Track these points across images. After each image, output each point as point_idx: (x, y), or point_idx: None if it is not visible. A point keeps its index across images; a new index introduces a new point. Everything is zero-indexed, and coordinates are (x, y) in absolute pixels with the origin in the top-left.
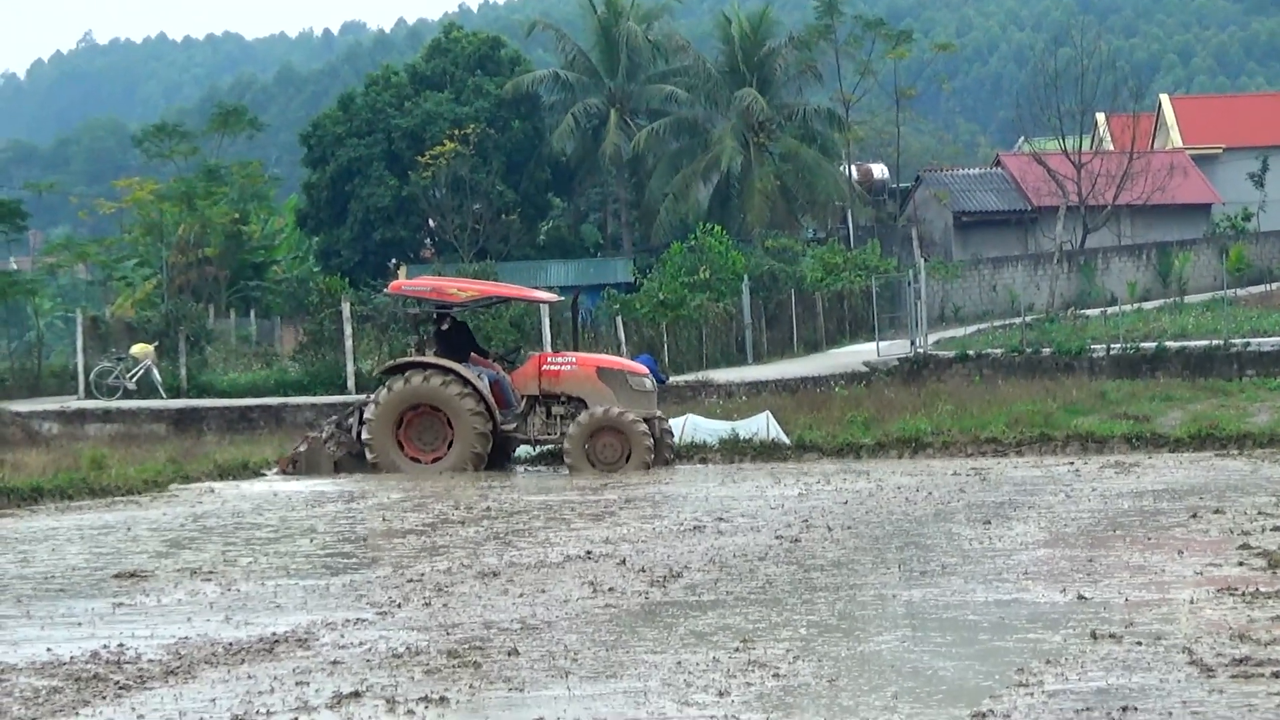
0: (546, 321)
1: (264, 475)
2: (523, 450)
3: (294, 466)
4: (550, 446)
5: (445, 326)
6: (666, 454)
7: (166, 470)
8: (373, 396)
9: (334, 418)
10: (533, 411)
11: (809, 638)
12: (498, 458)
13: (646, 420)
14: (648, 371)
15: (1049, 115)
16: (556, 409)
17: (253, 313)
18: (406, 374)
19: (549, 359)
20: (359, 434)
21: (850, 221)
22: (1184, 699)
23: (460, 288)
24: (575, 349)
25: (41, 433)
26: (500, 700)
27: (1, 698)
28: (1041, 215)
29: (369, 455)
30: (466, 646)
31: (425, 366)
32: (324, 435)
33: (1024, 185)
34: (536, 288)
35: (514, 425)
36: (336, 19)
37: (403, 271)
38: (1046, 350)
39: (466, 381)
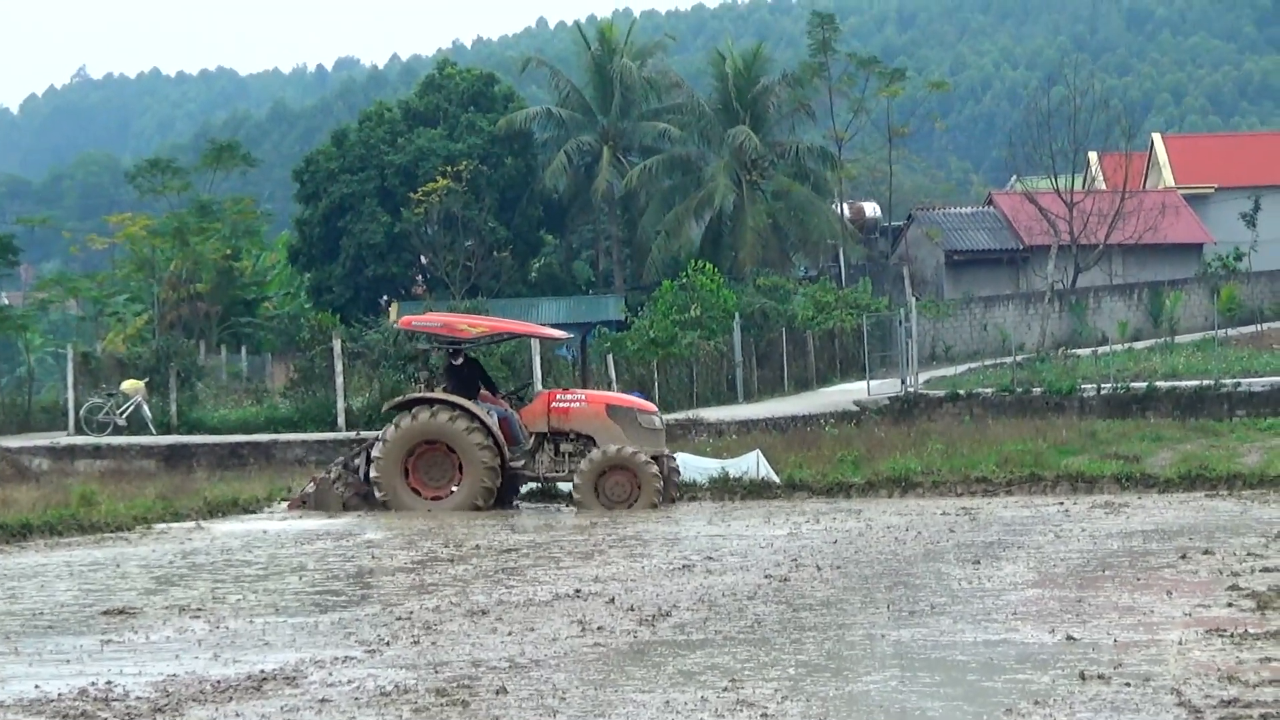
0: (537, 358)
1: (254, 513)
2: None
3: (303, 506)
4: (549, 484)
5: (456, 363)
6: (673, 492)
7: (156, 507)
8: (381, 433)
9: (341, 458)
10: (541, 449)
11: (797, 677)
12: (504, 495)
13: (655, 458)
14: (656, 409)
15: (1041, 154)
16: (565, 446)
17: (244, 349)
18: (416, 410)
19: (558, 396)
20: (366, 474)
21: (842, 260)
22: None
23: (471, 324)
24: (584, 386)
25: (31, 469)
26: None
27: None
28: (1033, 254)
29: (377, 492)
30: (455, 685)
31: (434, 402)
32: (332, 475)
33: (1016, 224)
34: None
35: (522, 462)
36: (330, 55)
37: (394, 308)
38: (1037, 390)
39: (476, 418)
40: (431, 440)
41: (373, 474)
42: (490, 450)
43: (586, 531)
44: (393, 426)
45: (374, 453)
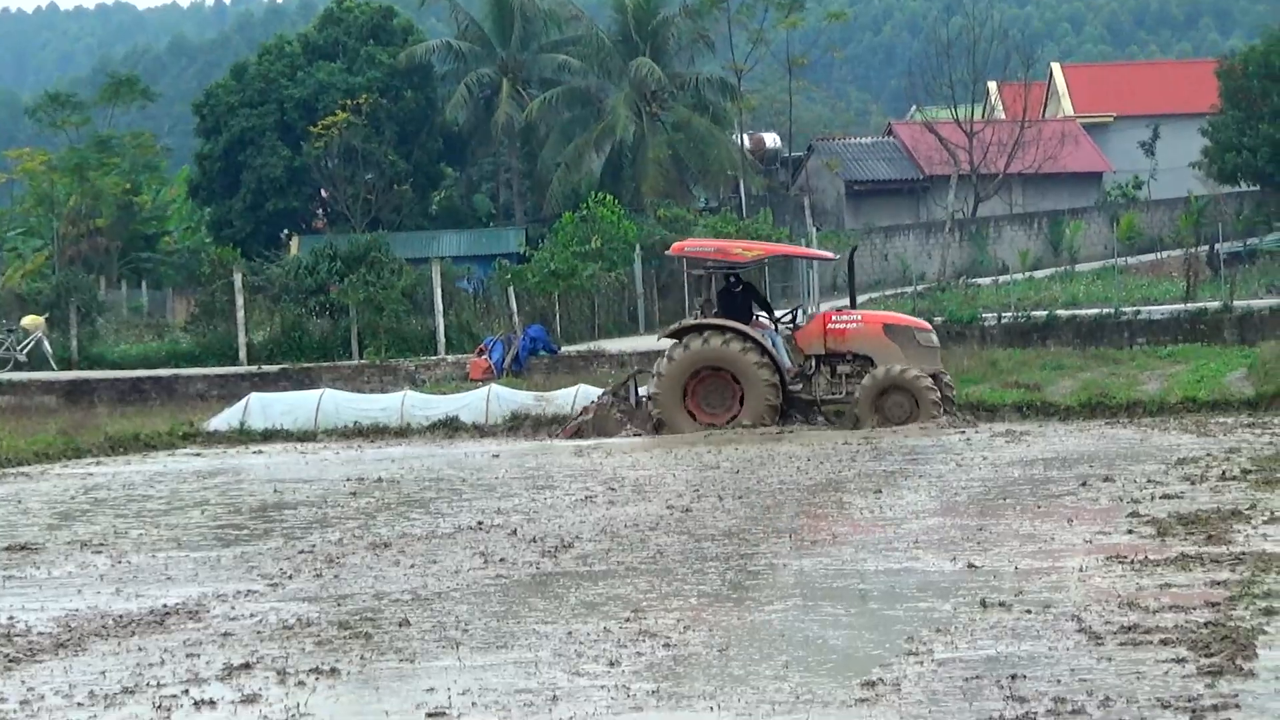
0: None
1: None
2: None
3: (578, 434)
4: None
5: (735, 289)
6: (952, 411)
7: (57, 443)
8: (658, 361)
9: (608, 388)
10: (817, 371)
11: (700, 607)
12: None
13: (934, 376)
14: (931, 328)
15: (941, 84)
16: (842, 368)
17: (144, 284)
18: (701, 335)
19: (834, 317)
20: (637, 400)
21: (743, 191)
22: (1072, 666)
23: (745, 248)
24: (853, 307)
25: None
26: (391, 671)
27: None
28: (933, 184)
29: (653, 412)
30: (357, 618)
31: (715, 328)
32: (607, 403)
33: (916, 154)
34: (432, 257)
35: (800, 385)
36: None
37: (294, 242)
38: (938, 319)
39: (756, 343)
40: (711, 366)
41: (651, 397)
42: (774, 383)
43: (489, 465)
44: (680, 350)
45: (657, 367)
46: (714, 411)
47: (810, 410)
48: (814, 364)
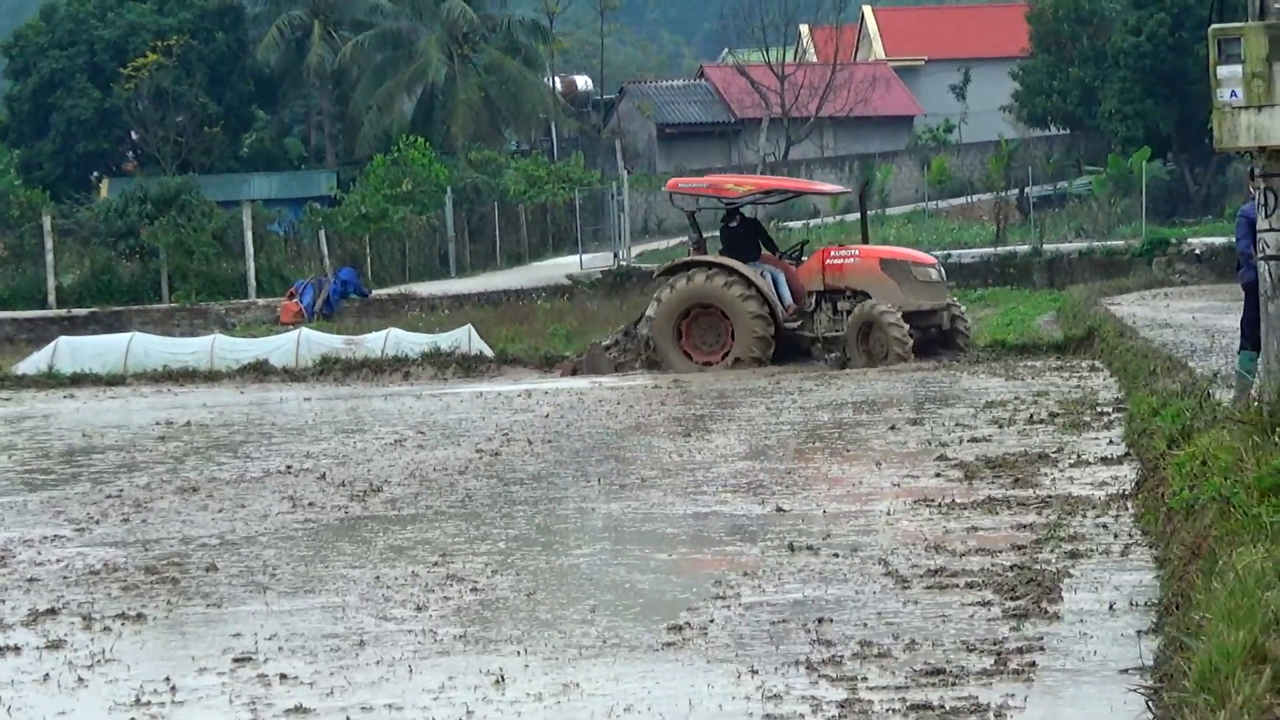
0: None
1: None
2: None
3: (574, 373)
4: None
5: (733, 224)
6: (961, 343)
7: None
8: (655, 295)
9: (623, 326)
10: (818, 308)
11: (508, 551)
12: (783, 356)
13: (933, 311)
14: (934, 261)
15: (753, 26)
16: (842, 304)
17: None
18: (690, 273)
19: (832, 253)
20: (646, 340)
21: (554, 134)
22: (879, 610)
23: (737, 182)
24: (865, 242)
25: None
26: (198, 616)
27: None
28: (745, 127)
29: (647, 353)
30: (165, 563)
31: (705, 265)
32: (607, 343)
33: (727, 97)
34: (243, 200)
35: (799, 323)
36: None
37: (105, 185)
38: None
39: (746, 280)
40: (704, 304)
41: (646, 339)
42: (763, 318)
43: (300, 408)
44: (667, 290)
45: (648, 312)
46: (705, 350)
47: (813, 347)
48: (814, 300)
